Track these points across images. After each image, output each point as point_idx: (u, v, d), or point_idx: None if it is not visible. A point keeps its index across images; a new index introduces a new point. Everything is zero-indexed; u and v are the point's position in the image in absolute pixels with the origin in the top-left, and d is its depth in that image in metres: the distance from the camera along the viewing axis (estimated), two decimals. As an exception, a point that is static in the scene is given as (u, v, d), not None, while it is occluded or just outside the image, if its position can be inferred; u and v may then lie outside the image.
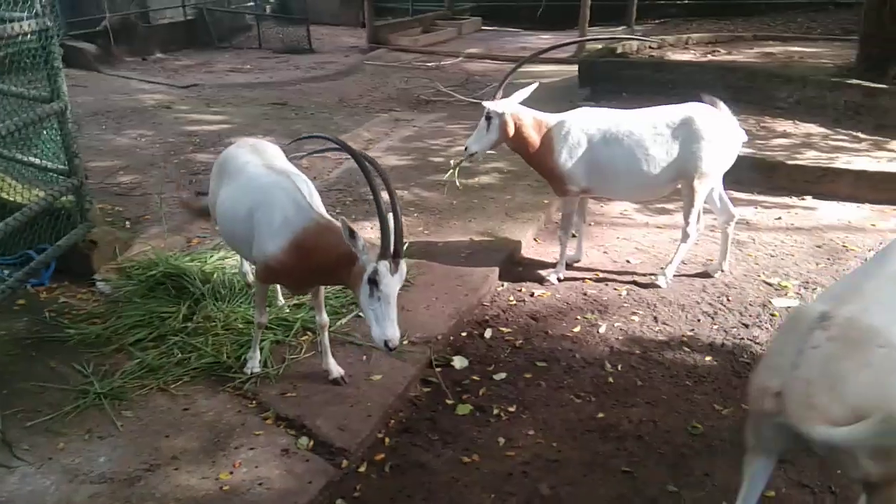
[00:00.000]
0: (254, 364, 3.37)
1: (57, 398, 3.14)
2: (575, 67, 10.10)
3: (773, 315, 3.98)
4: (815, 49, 10.37)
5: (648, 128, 4.06)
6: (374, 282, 2.61)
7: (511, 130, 4.18)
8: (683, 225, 4.28)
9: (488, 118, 4.16)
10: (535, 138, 4.22)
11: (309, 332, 3.69)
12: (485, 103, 4.18)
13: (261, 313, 3.30)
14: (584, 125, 4.15)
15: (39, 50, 3.96)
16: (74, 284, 4.22)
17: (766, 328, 3.85)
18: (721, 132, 4.03)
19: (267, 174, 3.23)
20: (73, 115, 4.30)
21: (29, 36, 3.85)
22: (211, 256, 4.43)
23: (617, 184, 4.24)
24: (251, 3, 17.01)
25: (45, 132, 4.43)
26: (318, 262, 2.90)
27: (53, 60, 4.00)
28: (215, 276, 4.10)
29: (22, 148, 4.52)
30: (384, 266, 2.61)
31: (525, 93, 4.25)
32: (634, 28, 13.97)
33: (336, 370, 3.35)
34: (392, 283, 2.64)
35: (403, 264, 2.69)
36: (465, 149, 4.30)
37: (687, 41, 11.25)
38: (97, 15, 13.38)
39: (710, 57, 10.07)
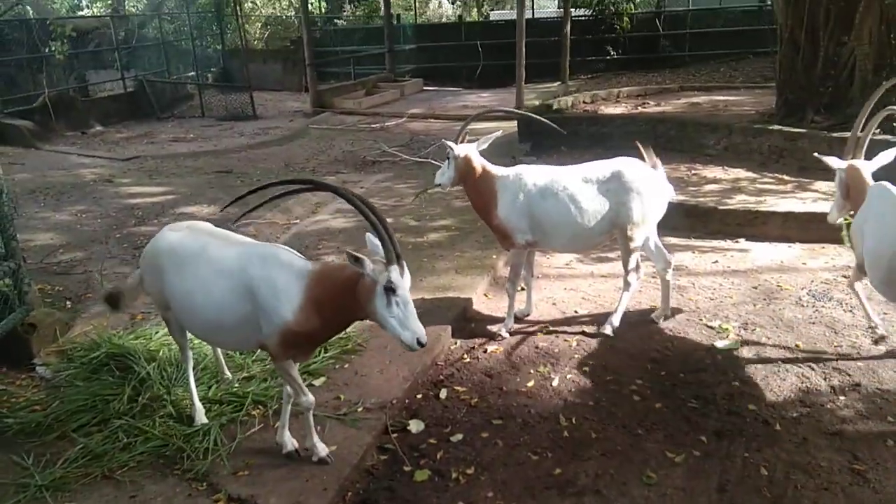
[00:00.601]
0: (322, 448, 3.19)
1: (-6, 495, 2.98)
2: (513, 123, 10.44)
3: (716, 358, 4.10)
4: (739, 97, 11.01)
5: (581, 182, 4.26)
6: (390, 289, 2.73)
7: (464, 172, 4.43)
8: (624, 274, 4.44)
9: (447, 157, 4.43)
10: (482, 187, 4.42)
11: (260, 406, 3.62)
12: (448, 142, 4.42)
13: (303, 391, 3.09)
14: (523, 180, 4.33)
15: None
16: (13, 370, 4.07)
17: (711, 371, 3.97)
18: (649, 184, 4.24)
19: (243, 249, 3.14)
20: (10, 194, 4.22)
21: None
22: (156, 333, 4.33)
23: (555, 236, 4.39)
24: (192, 73, 17.10)
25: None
26: (333, 305, 2.91)
27: (-13, 144, 3.94)
28: (161, 353, 4.01)
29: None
30: (395, 271, 2.73)
31: (487, 140, 4.51)
32: (568, 84, 14.58)
33: (290, 443, 3.28)
34: (405, 285, 2.77)
35: (405, 265, 2.81)
36: (436, 181, 4.59)
37: (618, 95, 11.80)
38: (34, 91, 13.26)
39: (640, 109, 10.57)
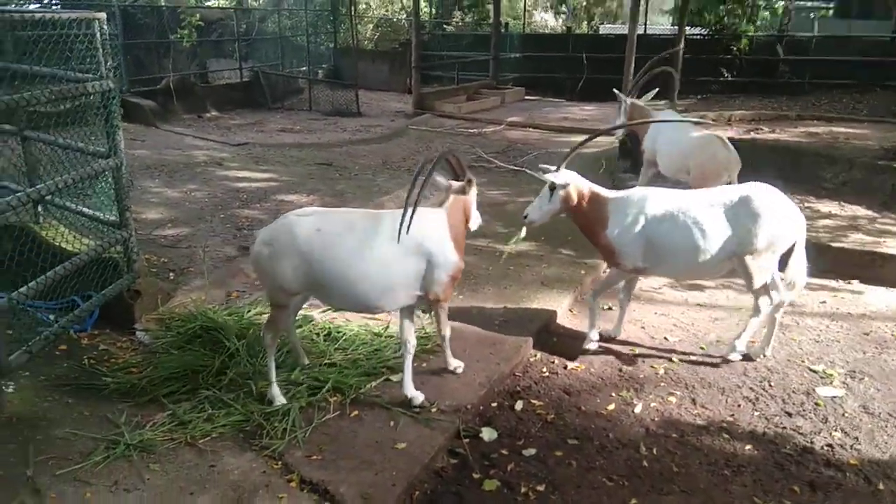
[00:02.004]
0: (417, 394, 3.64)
1: (88, 447, 3.17)
2: (614, 139, 10.19)
3: (817, 404, 3.82)
4: (861, 130, 10.30)
5: (706, 206, 4.04)
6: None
7: (573, 202, 4.20)
8: (753, 300, 4.23)
9: (552, 188, 4.16)
10: (590, 211, 4.22)
11: (337, 394, 3.68)
12: (548, 173, 4.15)
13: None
14: (642, 203, 4.12)
15: (101, 108, 4.18)
16: (115, 333, 4.32)
17: (810, 418, 3.69)
18: (780, 210, 4.01)
19: (392, 215, 3.46)
20: (128, 168, 4.49)
21: (93, 96, 4.08)
22: (248, 311, 4.49)
23: (671, 263, 4.19)
24: (304, 68, 17.76)
25: (99, 185, 4.63)
26: (460, 231, 3.67)
27: (113, 119, 4.21)
28: (251, 331, 4.15)
29: (75, 198, 4.73)
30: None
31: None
32: (676, 103, 14.10)
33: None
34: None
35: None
36: (525, 217, 4.28)
37: (730, 118, 11.31)
38: (158, 74, 14.15)
39: (752, 134, 10.07)
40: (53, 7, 14.02)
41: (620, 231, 4.11)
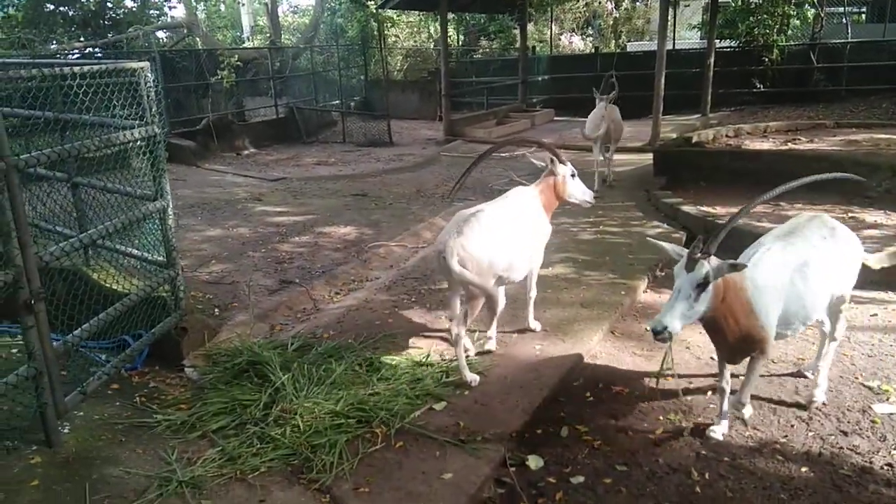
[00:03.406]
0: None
1: (142, 484, 3.24)
2: (648, 156, 10.13)
3: (874, 422, 3.69)
4: (904, 135, 10.03)
5: (812, 250, 3.56)
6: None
7: (721, 297, 3.15)
8: (832, 325, 3.93)
9: (702, 284, 2.99)
10: (738, 301, 3.22)
11: (383, 425, 3.69)
12: (696, 254, 3.04)
13: None
14: (770, 270, 3.39)
15: (147, 153, 4.34)
16: (165, 370, 4.43)
17: (868, 436, 3.57)
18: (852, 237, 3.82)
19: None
20: (172, 210, 4.64)
21: (139, 142, 4.24)
22: (292, 344, 4.56)
23: (798, 318, 3.56)
24: (336, 102, 18.15)
25: (147, 226, 4.79)
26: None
27: (159, 163, 4.37)
28: (295, 364, 4.21)
29: (124, 240, 4.90)
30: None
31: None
32: (709, 116, 13.97)
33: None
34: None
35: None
36: (661, 330, 2.98)
37: (765, 129, 11.14)
38: (199, 115, 14.63)
39: (790, 145, 9.90)
40: (96, 57, 14.65)
41: (768, 312, 3.33)
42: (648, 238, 3.50)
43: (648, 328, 2.82)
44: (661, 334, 2.99)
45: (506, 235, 4.20)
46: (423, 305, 5.41)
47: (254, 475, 3.31)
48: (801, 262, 3.47)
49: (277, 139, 15.33)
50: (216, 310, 5.39)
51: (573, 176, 4.74)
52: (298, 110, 16.12)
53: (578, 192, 4.76)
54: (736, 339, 3.31)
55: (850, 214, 7.15)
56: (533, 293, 4.81)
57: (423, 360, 4.43)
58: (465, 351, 4.38)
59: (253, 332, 4.84)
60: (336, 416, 3.75)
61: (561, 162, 4.71)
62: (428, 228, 7.79)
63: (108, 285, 4.54)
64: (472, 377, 4.15)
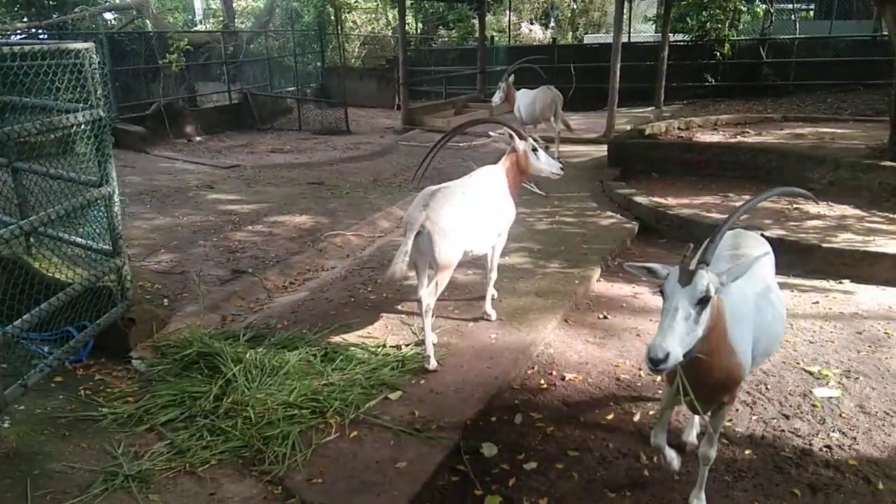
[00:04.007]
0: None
1: (86, 480, 3.15)
2: (603, 147, 10.27)
3: (814, 406, 3.84)
4: (847, 130, 10.41)
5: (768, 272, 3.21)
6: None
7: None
8: None
9: (703, 300, 2.40)
10: (719, 328, 2.61)
11: (337, 416, 3.67)
12: (702, 270, 2.44)
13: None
14: (739, 292, 2.77)
15: (92, 138, 4.20)
16: (111, 362, 4.31)
17: (808, 420, 3.71)
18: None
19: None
20: (119, 197, 4.50)
21: (83, 126, 4.09)
22: (243, 335, 4.49)
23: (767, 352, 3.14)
24: (292, 88, 17.85)
25: (92, 213, 4.63)
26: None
27: (104, 148, 4.23)
28: (247, 355, 4.14)
29: (68, 227, 4.73)
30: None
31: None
32: (662, 109, 14.22)
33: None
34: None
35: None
36: (665, 357, 2.33)
37: (716, 122, 11.41)
38: (148, 99, 14.19)
39: (739, 138, 10.16)
40: (40, 38, 14.07)
41: (746, 347, 2.78)
42: (628, 266, 2.77)
43: (647, 357, 2.29)
44: (662, 363, 2.31)
45: (471, 209, 4.33)
46: (380, 295, 5.39)
47: (204, 468, 3.25)
48: (764, 287, 3.01)
49: (231, 126, 15.00)
50: (165, 300, 5.26)
51: (535, 150, 4.79)
52: (253, 96, 15.80)
53: (543, 164, 4.83)
54: (715, 379, 2.68)
55: (794, 206, 7.38)
56: (493, 274, 4.91)
57: (379, 350, 4.40)
58: (428, 361, 4.25)
59: (203, 323, 4.74)
60: (289, 407, 3.70)
61: (521, 138, 4.79)
62: (385, 218, 7.75)
63: (50, 274, 4.38)
64: (433, 363, 4.18)
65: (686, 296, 2.39)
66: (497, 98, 11.03)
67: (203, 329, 4.60)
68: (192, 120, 14.30)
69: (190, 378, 3.96)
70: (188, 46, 14.34)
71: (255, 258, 6.38)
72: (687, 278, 2.40)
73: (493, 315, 4.91)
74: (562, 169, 4.90)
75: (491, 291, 4.99)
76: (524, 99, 10.62)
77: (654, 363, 2.32)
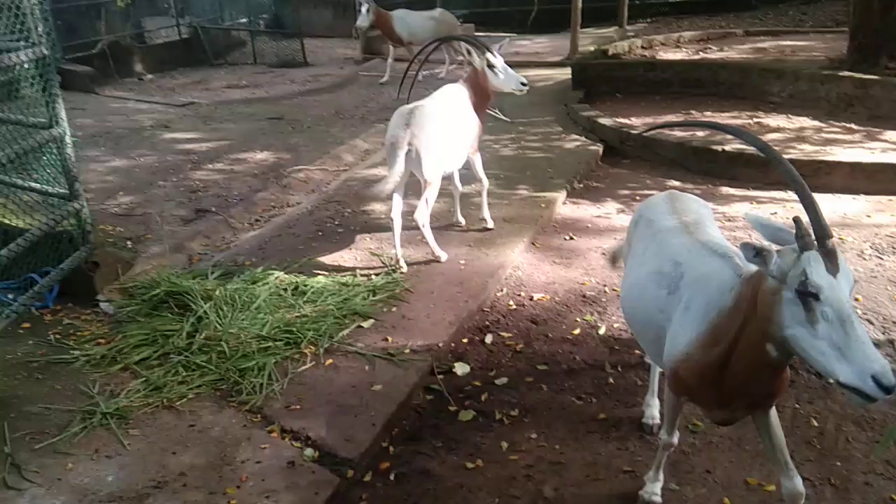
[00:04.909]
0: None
1: (64, 419, 3.18)
2: (567, 70, 10.16)
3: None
4: (807, 42, 10.44)
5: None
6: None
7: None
8: None
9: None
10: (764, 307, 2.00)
11: (311, 346, 3.73)
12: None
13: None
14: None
15: (37, 77, 4.02)
16: (78, 306, 4.27)
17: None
18: None
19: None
20: (72, 138, 4.36)
21: (27, 65, 3.91)
22: (212, 273, 4.47)
23: None
24: (245, 20, 17.12)
25: (44, 157, 4.49)
26: None
27: (51, 87, 4.06)
28: (217, 292, 4.14)
29: (22, 173, 4.59)
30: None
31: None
32: (626, 29, 14.04)
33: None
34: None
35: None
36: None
37: (678, 39, 11.33)
38: (93, 38, 13.52)
39: (701, 55, 10.13)
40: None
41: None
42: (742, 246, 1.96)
43: (876, 384, 1.65)
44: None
45: (446, 124, 4.51)
46: (348, 228, 5.38)
47: (181, 402, 3.30)
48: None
49: (182, 62, 14.40)
50: (129, 243, 5.18)
51: (491, 67, 4.71)
52: (203, 30, 15.12)
53: (502, 81, 4.75)
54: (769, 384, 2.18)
55: (755, 119, 7.46)
56: (485, 181, 5.10)
57: (350, 281, 4.44)
58: (398, 264, 4.55)
59: (170, 264, 4.70)
60: (263, 340, 3.75)
61: (479, 54, 4.73)
62: (349, 151, 7.64)
63: (7, 221, 4.28)
64: (441, 253, 4.63)
65: (847, 287, 1.80)
66: (363, 21, 10.71)
67: (170, 269, 4.57)
68: (142, 57, 13.68)
69: (161, 317, 3.96)
70: (132, -21, 13.60)
71: (217, 197, 6.29)
72: (835, 263, 1.79)
73: (491, 223, 5.13)
74: (524, 84, 4.80)
75: (486, 198, 5.15)
76: (414, 20, 10.81)
77: (889, 392, 1.68)
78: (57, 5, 12.88)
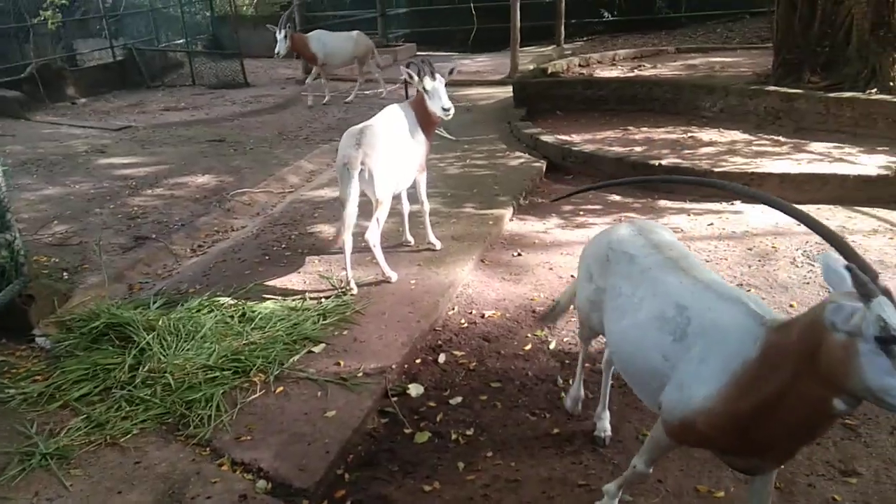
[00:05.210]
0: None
1: (1, 462, 3.02)
2: (508, 89, 10.34)
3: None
4: (735, 58, 10.91)
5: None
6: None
7: None
8: None
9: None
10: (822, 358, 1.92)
11: (261, 374, 3.65)
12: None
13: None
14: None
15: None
16: (12, 342, 4.08)
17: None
18: None
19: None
20: (2, 166, 4.19)
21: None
22: (154, 302, 4.35)
23: None
24: (181, 41, 16.82)
25: (-29, 188, 4.29)
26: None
27: (-23, 114, 3.89)
28: (160, 322, 4.02)
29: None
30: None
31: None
32: (563, 47, 14.40)
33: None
34: None
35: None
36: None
37: (614, 57, 11.68)
38: (22, 62, 13.05)
39: (636, 72, 10.47)
40: None
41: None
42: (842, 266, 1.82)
43: None
44: None
45: (396, 143, 4.56)
46: (295, 251, 5.32)
47: (126, 438, 3.18)
48: None
49: (117, 85, 14.04)
50: (65, 273, 4.99)
51: (426, 90, 4.64)
52: (139, 52, 14.79)
53: (431, 104, 4.68)
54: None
55: (689, 134, 7.75)
56: (427, 204, 5.14)
57: (299, 305, 4.38)
58: (349, 286, 4.54)
59: (109, 294, 4.54)
60: (210, 369, 3.65)
61: (420, 78, 4.67)
62: (294, 172, 7.57)
63: (-70, 256, 4.06)
64: (392, 273, 4.67)
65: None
66: (280, 47, 10.74)
67: (109, 300, 4.41)
68: (74, 81, 13.27)
69: (101, 350, 3.81)
70: (63, 1, 13.18)
71: (157, 223, 6.12)
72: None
73: (438, 244, 5.18)
74: (445, 110, 4.64)
75: (428, 221, 5.18)
76: (332, 41, 11.16)
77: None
78: (-19, 28, 12.41)
